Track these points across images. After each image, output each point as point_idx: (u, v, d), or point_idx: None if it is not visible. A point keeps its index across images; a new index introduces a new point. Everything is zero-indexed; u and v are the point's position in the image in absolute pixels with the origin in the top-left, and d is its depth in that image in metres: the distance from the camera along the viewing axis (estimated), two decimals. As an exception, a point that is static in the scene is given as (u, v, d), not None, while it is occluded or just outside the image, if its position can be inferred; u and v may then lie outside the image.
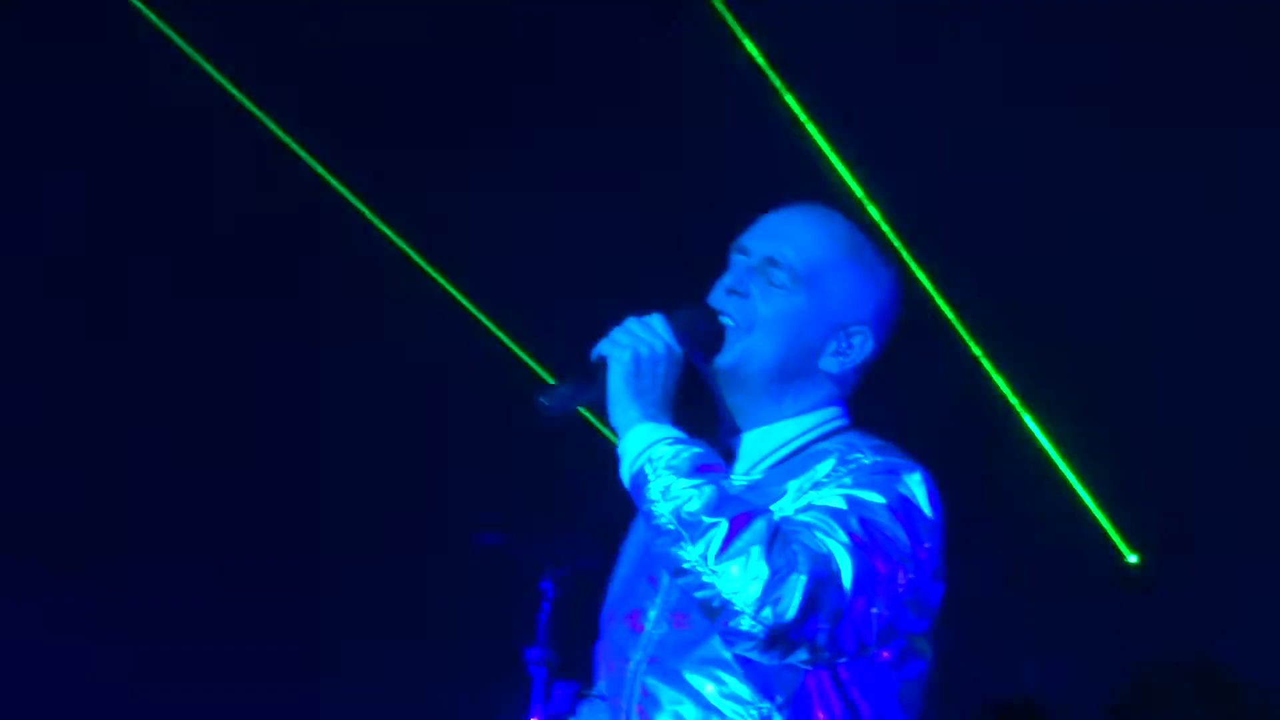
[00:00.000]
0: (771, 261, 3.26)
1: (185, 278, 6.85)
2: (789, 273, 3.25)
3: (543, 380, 6.83)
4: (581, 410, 3.22)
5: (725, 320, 3.25)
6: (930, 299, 7.04)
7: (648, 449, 3.05)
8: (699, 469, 3.01)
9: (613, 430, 3.12)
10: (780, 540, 2.94)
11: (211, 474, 6.73)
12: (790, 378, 3.26)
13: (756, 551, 2.92)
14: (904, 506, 3.08)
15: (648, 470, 3.02)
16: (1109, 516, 7.28)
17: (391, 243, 6.96)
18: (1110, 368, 7.07)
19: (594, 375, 3.14)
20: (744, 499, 3.02)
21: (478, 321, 7.01)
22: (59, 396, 6.74)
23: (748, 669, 3.12)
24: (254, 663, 6.61)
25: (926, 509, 3.11)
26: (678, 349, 3.17)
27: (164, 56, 6.75)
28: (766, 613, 2.90)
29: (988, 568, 6.75)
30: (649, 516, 3.02)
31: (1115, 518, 7.29)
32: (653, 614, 3.24)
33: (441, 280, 6.98)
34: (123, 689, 6.63)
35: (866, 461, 3.14)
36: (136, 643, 6.65)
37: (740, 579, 2.90)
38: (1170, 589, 7.17)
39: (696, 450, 3.05)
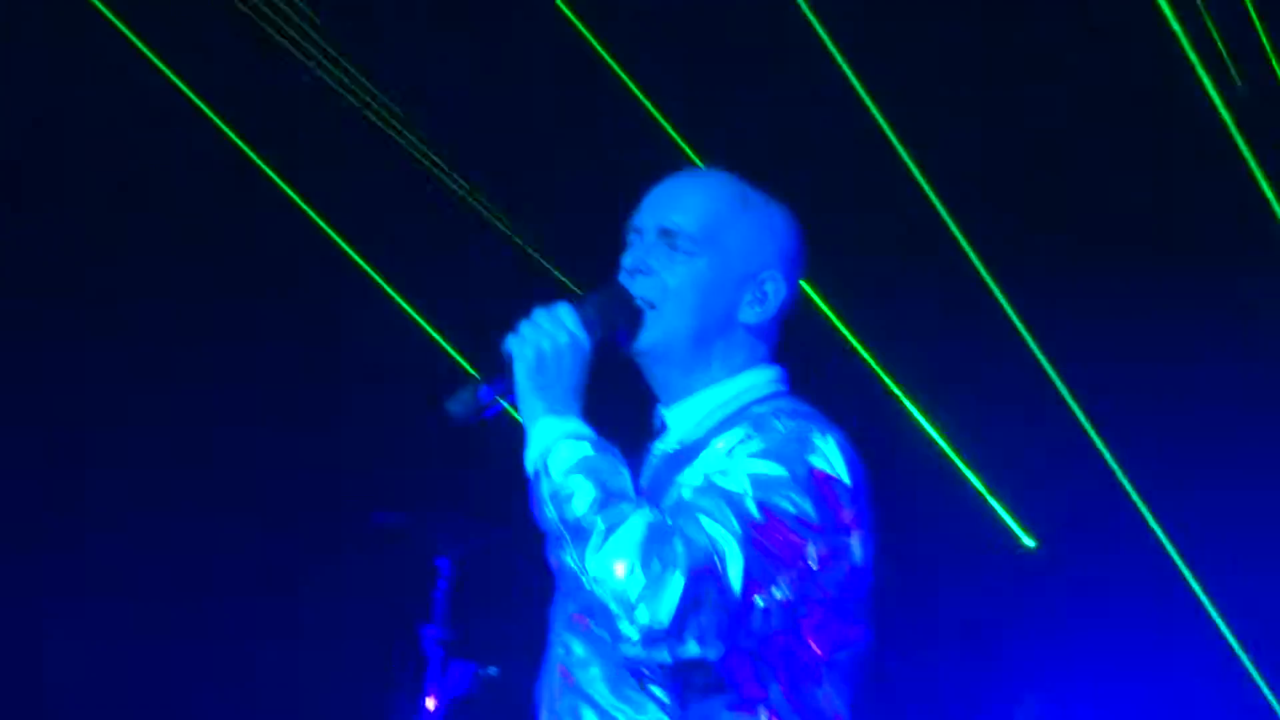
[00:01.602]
0: (666, 233, 3.24)
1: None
2: (686, 238, 3.23)
3: (452, 365, 6.85)
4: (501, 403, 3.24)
5: (639, 304, 3.23)
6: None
7: (545, 448, 3.05)
8: (588, 470, 3.01)
9: (523, 425, 3.10)
10: (660, 539, 2.93)
11: (115, 455, 6.72)
12: (712, 340, 3.24)
13: (633, 554, 2.92)
14: (812, 477, 3.04)
15: (541, 471, 3.04)
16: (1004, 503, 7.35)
17: (297, 209, 6.93)
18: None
19: (502, 371, 3.13)
20: (628, 498, 3.00)
21: (384, 297, 6.99)
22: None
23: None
24: (157, 631, 6.62)
25: (844, 475, 3.08)
26: (584, 339, 3.15)
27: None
28: (642, 615, 2.90)
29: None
30: (540, 519, 3.03)
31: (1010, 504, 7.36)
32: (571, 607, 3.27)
33: (351, 253, 6.97)
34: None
35: (780, 427, 3.11)
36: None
37: (616, 582, 2.90)
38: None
39: (588, 450, 3.05)
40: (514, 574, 5.26)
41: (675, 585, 2.89)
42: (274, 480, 6.70)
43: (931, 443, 7.35)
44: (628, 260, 3.26)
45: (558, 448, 3.05)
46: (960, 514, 7.33)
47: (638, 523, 2.95)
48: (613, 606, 2.92)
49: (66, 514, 6.69)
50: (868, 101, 6.97)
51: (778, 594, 2.98)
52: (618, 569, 2.92)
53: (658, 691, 3.10)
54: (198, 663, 6.59)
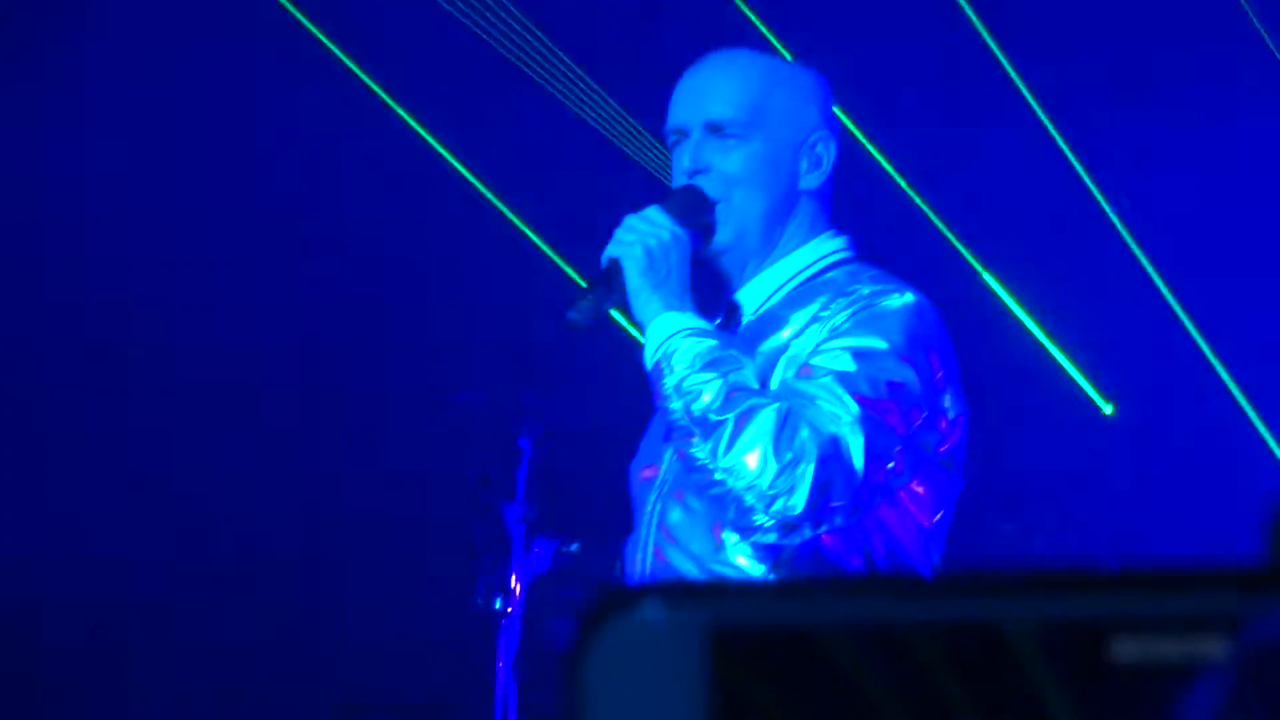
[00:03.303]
0: (712, 126, 3.27)
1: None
2: (734, 125, 3.26)
3: (527, 247, 6.83)
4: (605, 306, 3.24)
5: (711, 198, 3.27)
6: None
7: (665, 342, 3.10)
8: (711, 363, 3.06)
9: (638, 326, 3.17)
10: (788, 429, 2.98)
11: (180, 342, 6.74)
12: (784, 217, 3.28)
13: (764, 446, 2.97)
14: (909, 343, 3.11)
15: (664, 365, 3.09)
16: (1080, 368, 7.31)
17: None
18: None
19: (611, 279, 3.17)
20: (754, 391, 3.06)
21: (455, 173, 6.95)
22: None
23: None
24: (232, 523, 6.67)
25: (933, 335, 3.16)
26: (683, 233, 3.19)
27: None
28: (778, 505, 2.97)
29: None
30: (666, 411, 3.10)
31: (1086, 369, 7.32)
32: (667, 456, 3.28)
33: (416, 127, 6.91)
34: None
35: (865, 291, 3.17)
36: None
37: (748, 475, 2.97)
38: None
39: (711, 343, 3.10)
40: (593, 452, 5.28)
41: (806, 474, 2.96)
42: (357, 364, 6.72)
43: (1006, 309, 7.29)
44: (684, 163, 3.29)
45: (680, 343, 3.09)
46: (1037, 380, 7.29)
47: (767, 415, 3.00)
48: (748, 499, 2.99)
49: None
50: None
51: (891, 464, 3.07)
52: (750, 462, 2.98)
53: (750, 568, 3.12)
54: (282, 552, 6.64)
